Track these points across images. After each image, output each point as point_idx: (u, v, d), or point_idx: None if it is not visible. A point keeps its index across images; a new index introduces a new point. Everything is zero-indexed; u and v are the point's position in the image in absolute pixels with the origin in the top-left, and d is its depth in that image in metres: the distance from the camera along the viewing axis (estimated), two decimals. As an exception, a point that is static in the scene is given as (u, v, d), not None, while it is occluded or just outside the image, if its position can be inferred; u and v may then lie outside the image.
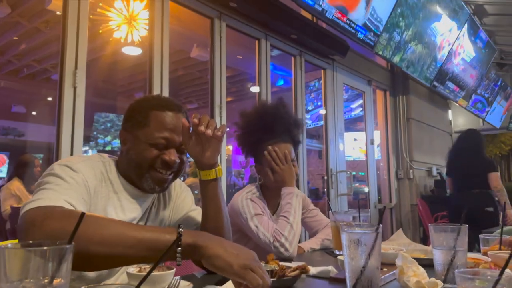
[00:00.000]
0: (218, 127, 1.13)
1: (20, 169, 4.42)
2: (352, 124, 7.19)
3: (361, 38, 3.77)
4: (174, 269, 0.93)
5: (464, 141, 4.21)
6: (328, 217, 1.77)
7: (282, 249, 1.47)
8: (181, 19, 3.54)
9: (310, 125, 6.95)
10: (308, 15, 3.78)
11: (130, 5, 4.02)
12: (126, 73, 6.48)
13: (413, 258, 1.01)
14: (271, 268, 1.04)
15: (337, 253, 1.52)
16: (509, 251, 1.22)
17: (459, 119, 7.58)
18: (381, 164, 5.81)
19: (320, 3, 3.23)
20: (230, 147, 9.26)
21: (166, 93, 2.81)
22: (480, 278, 0.67)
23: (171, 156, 1.13)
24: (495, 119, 7.44)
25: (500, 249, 1.24)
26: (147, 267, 0.97)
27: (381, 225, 0.88)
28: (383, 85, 5.62)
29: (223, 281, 0.99)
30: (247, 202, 1.60)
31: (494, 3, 5.21)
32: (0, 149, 7.98)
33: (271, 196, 1.73)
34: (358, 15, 3.57)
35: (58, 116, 2.29)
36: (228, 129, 3.24)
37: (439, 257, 0.99)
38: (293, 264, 1.10)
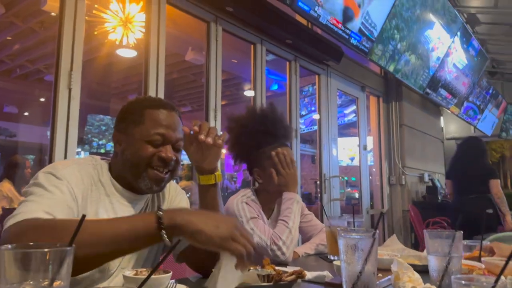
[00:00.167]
0: (219, 134, 1.13)
1: (10, 171, 4.38)
2: (345, 129, 7.23)
3: (355, 44, 3.81)
4: (171, 272, 0.93)
5: (468, 147, 4.28)
6: (323, 222, 1.78)
7: (278, 253, 1.47)
8: (176, 22, 3.54)
9: (303, 130, 6.96)
10: (303, 21, 3.81)
11: (126, 8, 4.01)
12: (120, 75, 6.46)
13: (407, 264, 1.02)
14: (267, 273, 1.04)
15: (332, 258, 1.52)
16: (500, 258, 1.23)
17: (451, 126, 7.66)
18: (374, 169, 5.84)
19: (316, 9, 3.26)
20: (224, 151, 9.24)
21: (161, 96, 2.81)
22: (475, 284, 0.68)
23: (167, 152, 1.13)
24: (486, 126, 7.53)
25: (480, 255, 1.26)
26: (144, 270, 0.96)
27: (378, 231, 0.89)
28: (377, 91, 5.66)
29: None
30: (243, 205, 1.61)
31: (486, 12, 5.29)
32: (-9, 149, 7.90)
33: (266, 200, 1.73)
34: (354, 21, 3.61)
35: (52, 117, 2.27)
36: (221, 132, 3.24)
37: (434, 263, 1.00)
38: (289, 269, 1.11)
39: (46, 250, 0.54)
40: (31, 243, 0.56)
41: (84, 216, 0.65)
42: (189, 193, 4.63)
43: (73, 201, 1.02)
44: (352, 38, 3.76)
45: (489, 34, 5.88)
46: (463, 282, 0.68)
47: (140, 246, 0.90)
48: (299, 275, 1.06)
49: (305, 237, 1.86)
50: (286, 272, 1.06)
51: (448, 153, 7.40)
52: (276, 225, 1.57)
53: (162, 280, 0.91)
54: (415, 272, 1.00)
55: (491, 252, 1.33)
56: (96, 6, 3.94)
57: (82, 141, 7.24)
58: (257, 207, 1.66)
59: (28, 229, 0.85)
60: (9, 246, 0.55)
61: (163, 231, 0.84)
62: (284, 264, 1.44)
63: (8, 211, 3.85)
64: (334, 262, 1.28)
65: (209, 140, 1.10)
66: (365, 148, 5.38)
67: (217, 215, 0.93)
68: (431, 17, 4.73)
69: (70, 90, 2.31)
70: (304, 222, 1.85)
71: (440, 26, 4.96)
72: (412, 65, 4.81)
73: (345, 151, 7.27)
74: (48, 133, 2.32)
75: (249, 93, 3.90)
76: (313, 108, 6.61)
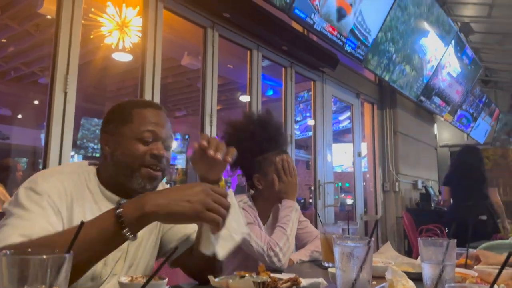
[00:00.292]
0: (226, 150, 1.12)
1: (1, 174, 4.36)
2: (340, 135, 7.26)
3: (349, 51, 3.86)
4: (166, 279, 0.93)
5: (466, 155, 4.34)
6: (317, 228, 1.78)
7: (275, 259, 1.47)
8: (172, 27, 3.55)
9: (298, 136, 6.99)
10: (299, 28, 3.84)
11: (123, 12, 4.02)
12: (115, 79, 6.45)
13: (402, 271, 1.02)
14: (263, 280, 1.04)
15: (326, 265, 1.53)
16: (493, 266, 1.24)
17: (444, 133, 7.72)
18: (367, 176, 5.87)
19: (312, 17, 3.30)
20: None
21: (157, 100, 2.81)
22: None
23: (159, 149, 1.12)
24: (479, 134, 7.60)
25: (466, 263, 1.27)
26: (139, 276, 0.96)
27: (372, 239, 0.89)
28: (371, 98, 5.70)
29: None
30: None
31: (480, 21, 5.36)
32: (-16, 152, 7.83)
33: (263, 207, 1.73)
34: (347, 18, 3.64)
35: (47, 121, 2.27)
36: (217, 137, 3.25)
37: (428, 271, 1.01)
38: (284, 276, 1.11)
39: (44, 256, 0.54)
40: (29, 250, 0.57)
41: (82, 223, 0.65)
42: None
43: (55, 216, 1.00)
44: (347, 45, 3.80)
45: (482, 43, 5.96)
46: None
47: (113, 246, 0.90)
48: (294, 282, 1.07)
49: (300, 244, 1.87)
50: (281, 279, 1.07)
51: (441, 161, 7.46)
52: (274, 231, 1.57)
53: (159, 286, 0.91)
54: (409, 280, 1.00)
55: (477, 260, 1.35)
56: (92, 10, 3.94)
57: (75, 144, 7.20)
58: (254, 213, 1.66)
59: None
60: (8, 252, 0.55)
61: (126, 230, 0.84)
62: (279, 271, 1.44)
63: (2, 214, 3.81)
64: (329, 269, 1.28)
65: (219, 156, 1.08)
66: (359, 154, 5.40)
67: (185, 187, 0.93)
68: (426, 26, 4.79)
69: (65, 93, 2.31)
70: (300, 228, 1.85)
71: (434, 35, 5.02)
72: (407, 74, 4.88)
73: (341, 156, 7.29)
74: (42, 136, 2.32)
75: (244, 98, 3.91)
76: (308, 114, 6.64)
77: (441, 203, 5.86)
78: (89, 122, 7.14)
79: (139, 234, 1.15)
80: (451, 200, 4.42)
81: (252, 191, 1.82)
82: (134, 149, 1.10)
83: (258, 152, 1.73)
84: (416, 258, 1.50)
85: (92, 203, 1.09)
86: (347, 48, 3.81)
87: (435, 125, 7.43)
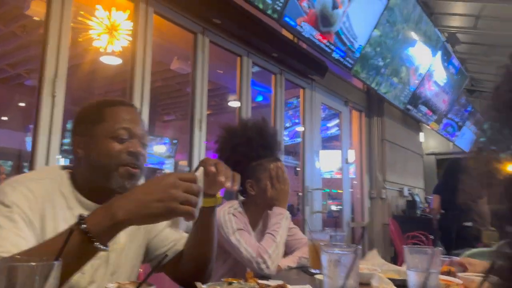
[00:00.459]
0: (232, 176, 1.08)
1: (-16, 177, 4.29)
2: (328, 142, 7.30)
3: (337, 58, 3.91)
4: (154, 286, 0.93)
5: (458, 165, 4.42)
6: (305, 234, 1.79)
7: (263, 266, 1.48)
8: (162, 31, 3.56)
9: (287, 142, 7.01)
10: (289, 35, 3.87)
11: (112, 15, 4.00)
12: (103, 82, 6.40)
13: (387, 278, 1.04)
14: (250, 287, 1.04)
15: (313, 271, 1.54)
16: (476, 274, 1.27)
17: (431, 141, 7.83)
18: (354, 182, 5.91)
19: (302, 25, 3.34)
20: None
21: (146, 104, 2.81)
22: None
23: (136, 147, 1.09)
24: (464, 143, 7.72)
25: (449, 270, 1.30)
26: (127, 283, 0.96)
27: (360, 246, 0.91)
28: (359, 106, 5.76)
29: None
30: (230, 216, 1.61)
31: (466, 32, 5.46)
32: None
33: (253, 213, 1.74)
34: (336, 16, 3.68)
35: (35, 124, 2.24)
36: (206, 143, 3.25)
37: (413, 278, 1.02)
38: (272, 283, 1.11)
39: (33, 264, 0.54)
40: (18, 257, 0.56)
41: (71, 231, 0.65)
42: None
43: (27, 228, 0.96)
44: (335, 52, 3.85)
45: (468, 53, 6.08)
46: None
47: (89, 257, 0.86)
48: (282, 289, 1.07)
49: (288, 251, 1.87)
50: (268, 285, 1.07)
51: (427, 168, 7.56)
52: (264, 238, 1.58)
53: (146, 293, 0.91)
54: (394, 287, 1.02)
55: (463, 267, 1.37)
56: (81, 12, 3.92)
57: (63, 149, 7.10)
58: (244, 219, 1.66)
59: None
60: (-5, 259, 0.54)
61: (96, 243, 0.81)
62: (267, 277, 1.45)
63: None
64: (316, 276, 1.29)
65: (229, 185, 1.06)
66: (347, 161, 5.44)
67: (151, 184, 0.88)
68: (414, 35, 4.87)
69: (54, 97, 2.29)
70: (289, 235, 1.86)
71: (422, 45, 5.10)
72: (394, 84, 4.98)
73: (329, 163, 7.33)
74: (27, 138, 2.29)
75: (234, 103, 3.92)
76: (297, 121, 6.67)
77: (427, 210, 5.94)
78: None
79: (121, 241, 1.14)
80: (440, 209, 4.54)
81: (242, 198, 1.82)
82: (110, 148, 1.06)
83: (253, 158, 1.75)
84: (401, 264, 1.52)
85: (66, 210, 1.04)
86: (335, 55, 3.87)
87: (422, 134, 7.54)
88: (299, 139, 4.83)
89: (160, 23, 3.11)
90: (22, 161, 6.70)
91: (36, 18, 4.10)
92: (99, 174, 1.07)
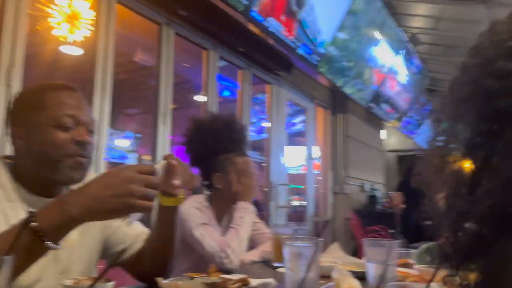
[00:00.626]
0: (189, 176, 1.08)
1: None
2: (293, 137, 7.37)
3: (302, 54, 3.94)
4: (113, 282, 0.91)
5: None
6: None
7: (226, 261, 1.48)
8: (125, 21, 3.46)
9: (253, 137, 7.03)
10: (256, 30, 3.86)
11: (73, 3, 3.85)
12: (63, 73, 6.16)
13: (347, 271, 1.06)
14: (213, 281, 1.04)
15: (277, 265, 1.55)
16: (433, 266, 1.32)
17: (392, 139, 8.06)
18: (319, 178, 6.01)
19: (269, 20, 3.34)
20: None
21: (109, 96, 2.73)
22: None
23: (83, 135, 1.00)
24: (424, 140, 8.00)
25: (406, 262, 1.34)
26: (84, 278, 0.93)
27: (321, 239, 0.92)
28: (325, 103, 5.85)
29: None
30: (194, 210, 1.60)
31: (426, 33, 5.65)
32: None
33: (219, 207, 1.74)
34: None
35: (-12, 115, 2.13)
36: (171, 137, 3.21)
37: (372, 270, 1.05)
38: (234, 277, 1.11)
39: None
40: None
41: (22, 228, 0.62)
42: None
43: None
44: (300, 48, 3.88)
45: (429, 54, 6.28)
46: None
47: (39, 255, 0.81)
48: (244, 283, 1.07)
49: (253, 245, 1.88)
50: (231, 279, 1.07)
51: (388, 164, 7.79)
52: (227, 232, 1.58)
53: (105, 289, 0.89)
54: (355, 279, 1.04)
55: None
56: (40, -1, 3.76)
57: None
58: (209, 213, 1.66)
59: None
60: None
61: (47, 242, 0.76)
62: (230, 271, 1.45)
63: None
64: (278, 269, 1.30)
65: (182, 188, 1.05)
66: (311, 157, 5.52)
67: (106, 178, 0.84)
68: (378, 35, 4.98)
69: (9, 87, 2.18)
70: (253, 230, 1.87)
71: (385, 44, 5.23)
72: (359, 84, 5.10)
73: (294, 159, 7.43)
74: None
75: (200, 98, 3.89)
76: (263, 116, 6.69)
77: (386, 205, 6.13)
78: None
79: (73, 237, 1.03)
80: (401, 204, 4.75)
81: (207, 192, 1.81)
82: (54, 137, 0.98)
83: (221, 152, 1.74)
84: (361, 257, 1.56)
85: (5, 201, 0.97)
86: (300, 51, 3.89)
87: (384, 131, 7.75)
88: (265, 135, 4.85)
89: (124, 13, 3.02)
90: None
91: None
92: (44, 166, 1.00)
